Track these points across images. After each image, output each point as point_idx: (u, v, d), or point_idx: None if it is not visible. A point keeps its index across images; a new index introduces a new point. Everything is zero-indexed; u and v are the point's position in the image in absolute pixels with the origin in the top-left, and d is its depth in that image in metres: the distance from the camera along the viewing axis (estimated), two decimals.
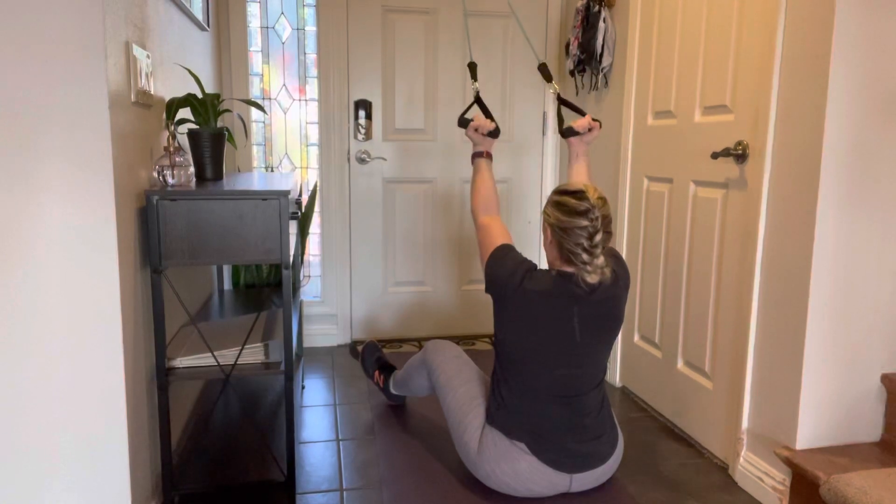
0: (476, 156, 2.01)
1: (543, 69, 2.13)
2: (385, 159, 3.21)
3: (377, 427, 2.32)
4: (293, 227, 1.86)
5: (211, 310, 2.33)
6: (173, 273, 1.96)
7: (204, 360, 1.71)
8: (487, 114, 2.06)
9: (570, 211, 1.63)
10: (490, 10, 3.19)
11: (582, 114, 2.04)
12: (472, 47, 3.21)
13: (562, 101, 2.11)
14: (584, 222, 1.61)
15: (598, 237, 1.62)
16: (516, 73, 3.28)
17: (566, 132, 1.99)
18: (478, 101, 2.12)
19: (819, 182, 1.69)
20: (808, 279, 1.73)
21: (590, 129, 1.96)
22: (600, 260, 1.63)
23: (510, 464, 1.74)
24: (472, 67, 2.17)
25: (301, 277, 2.92)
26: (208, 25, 2.63)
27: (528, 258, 1.77)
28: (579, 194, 1.64)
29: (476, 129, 1.98)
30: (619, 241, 2.73)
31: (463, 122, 2.04)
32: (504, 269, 1.73)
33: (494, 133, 2.00)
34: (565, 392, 1.73)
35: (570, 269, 1.68)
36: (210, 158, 1.84)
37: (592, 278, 1.63)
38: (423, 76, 3.20)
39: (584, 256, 1.62)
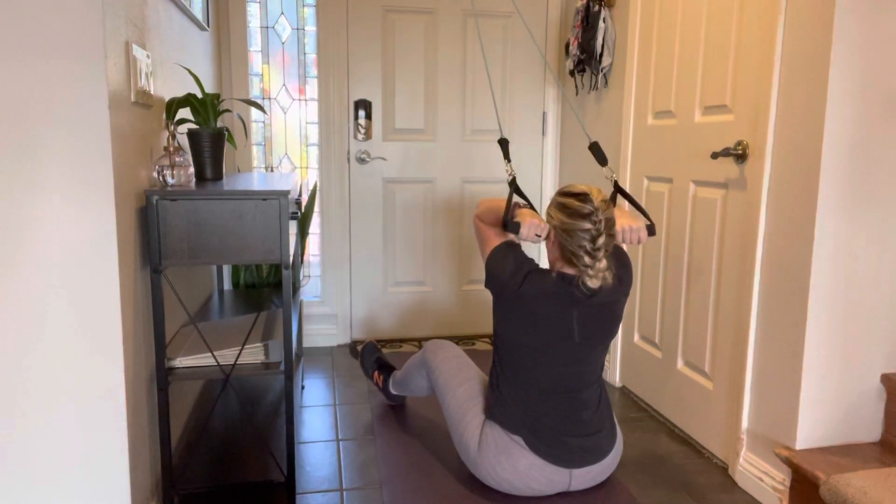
0: (511, 233, 1.77)
1: (595, 149, 1.90)
2: (385, 159, 3.21)
3: (377, 427, 2.32)
4: (293, 227, 1.86)
5: (211, 310, 2.33)
6: (173, 273, 1.96)
7: (204, 360, 1.71)
8: (527, 201, 1.82)
9: (573, 213, 1.62)
10: (490, 10, 3.19)
11: (640, 209, 1.83)
12: (472, 47, 3.21)
13: (619, 190, 1.86)
14: (587, 225, 1.61)
15: (601, 240, 1.61)
16: (516, 73, 3.28)
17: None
18: (515, 190, 1.79)
19: (819, 182, 1.69)
20: (808, 279, 1.73)
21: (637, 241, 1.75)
22: (602, 263, 1.62)
23: (510, 461, 1.74)
24: (504, 145, 1.84)
25: (301, 277, 2.92)
26: (208, 25, 2.63)
27: (530, 257, 1.77)
28: (583, 196, 1.63)
29: (526, 236, 1.71)
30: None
31: (513, 229, 1.71)
32: (506, 268, 1.73)
33: (548, 236, 1.72)
34: (564, 388, 1.74)
35: (571, 272, 1.68)
36: (210, 158, 1.84)
37: (593, 283, 1.63)
38: (423, 76, 3.20)
39: (586, 259, 1.62)
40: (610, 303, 1.71)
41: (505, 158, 1.85)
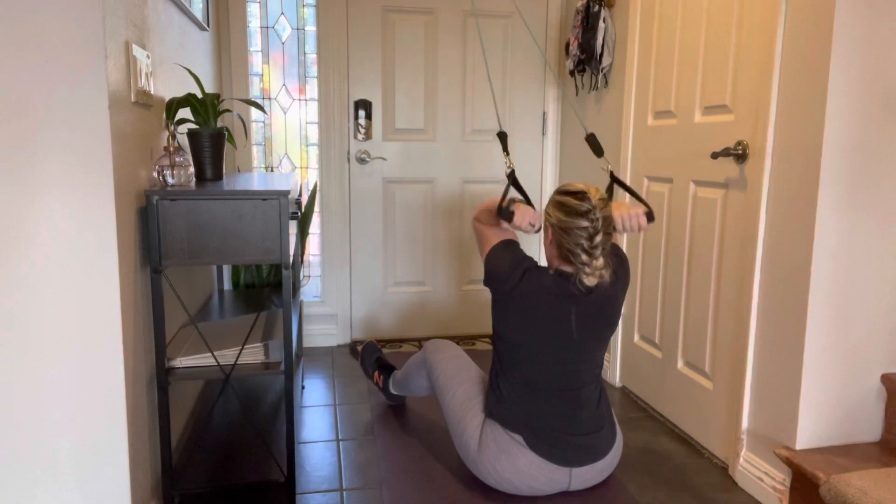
0: (504, 220, 1.76)
1: (592, 140, 1.88)
2: (385, 159, 3.21)
3: (377, 427, 2.32)
4: (293, 227, 1.86)
5: (211, 310, 2.33)
6: (173, 273, 1.96)
7: (204, 360, 1.71)
8: (524, 195, 1.81)
9: (570, 211, 1.63)
10: (490, 10, 3.19)
11: (637, 197, 1.79)
12: (472, 47, 3.21)
13: (615, 180, 1.84)
14: (585, 223, 1.61)
15: (599, 238, 1.62)
16: (516, 73, 3.28)
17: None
18: (513, 182, 1.80)
19: (819, 182, 1.69)
20: (808, 279, 1.73)
21: (638, 228, 1.74)
22: (599, 261, 1.63)
23: (510, 460, 1.74)
24: (503, 138, 1.85)
25: (301, 277, 2.92)
26: (208, 25, 2.63)
27: (529, 255, 1.77)
28: (581, 195, 1.64)
29: (518, 223, 1.72)
30: (618, 242, 2.73)
31: (505, 215, 1.71)
32: (504, 264, 1.73)
33: (542, 228, 1.73)
34: (563, 385, 1.74)
35: (568, 269, 1.68)
36: (210, 158, 1.84)
37: (590, 280, 1.63)
38: (423, 76, 3.20)
39: (584, 257, 1.62)
40: (607, 299, 1.71)
41: (504, 151, 1.84)
